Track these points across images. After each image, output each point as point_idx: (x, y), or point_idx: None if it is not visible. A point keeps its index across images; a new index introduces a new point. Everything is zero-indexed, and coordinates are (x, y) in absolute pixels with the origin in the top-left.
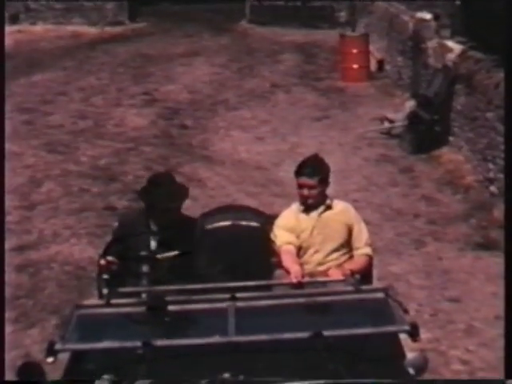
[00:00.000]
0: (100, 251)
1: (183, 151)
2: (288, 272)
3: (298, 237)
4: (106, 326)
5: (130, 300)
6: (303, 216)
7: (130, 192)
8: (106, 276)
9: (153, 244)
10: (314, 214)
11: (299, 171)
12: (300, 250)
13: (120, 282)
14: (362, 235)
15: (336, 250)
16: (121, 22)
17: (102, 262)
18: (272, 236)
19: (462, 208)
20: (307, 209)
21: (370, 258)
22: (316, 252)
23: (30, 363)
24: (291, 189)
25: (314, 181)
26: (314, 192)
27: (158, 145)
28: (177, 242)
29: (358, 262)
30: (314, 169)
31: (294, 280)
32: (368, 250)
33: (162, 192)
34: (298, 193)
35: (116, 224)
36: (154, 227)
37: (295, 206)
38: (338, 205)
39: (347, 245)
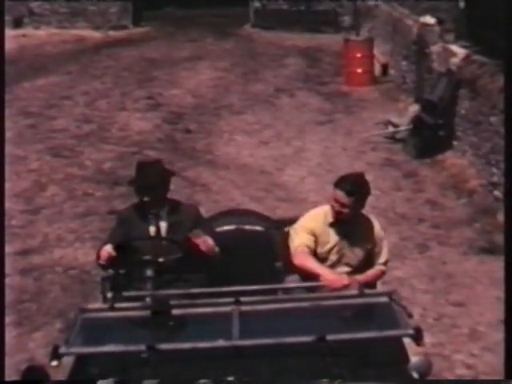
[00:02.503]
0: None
1: (187, 155)
2: (313, 275)
3: (316, 243)
4: (110, 330)
5: (135, 304)
6: (330, 229)
7: (134, 196)
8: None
9: (152, 229)
10: (341, 231)
11: (338, 184)
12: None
13: (124, 285)
14: (383, 253)
15: (349, 272)
16: (125, 26)
17: (104, 252)
18: (291, 232)
19: (466, 212)
20: (336, 223)
21: (383, 273)
22: (329, 267)
23: (34, 367)
24: (295, 193)
25: (349, 200)
26: (346, 211)
27: (162, 149)
28: (177, 224)
29: (370, 275)
30: (353, 187)
31: (343, 283)
32: (384, 268)
33: (146, 171)
34: (331, 203)
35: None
36: (150, 215)
37: (327, 212)
38: (369, 221)
39: (362, 264)
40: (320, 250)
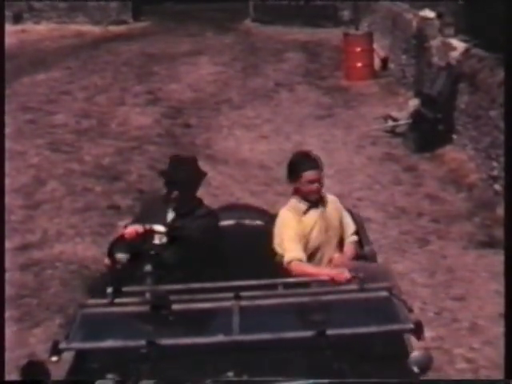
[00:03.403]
0: (104, 250)
1: (187, 150)
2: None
3: (305, 241)
4: (110, 325)
5: (134, 299)
6: (305, 217)
7: (133, 191)
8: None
9: (170, 216)
10: (315, 212)
11: (305, 166)
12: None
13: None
14: (350, 224)
15: (336, 248)
16: (124, 21)
17: (107, 261)
18: (277, 246)
19: (466, 206)
20: (309, 208)
21: (357, 243)
22: (322, 256)
23: (34, 362)
24: None
25: (318, 172)
26: (321, 185)
27: (162, 144)
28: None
29: (350, 252)
30: (317, 161)
31: (345, 276)
32: (355, 237)
33: (182, 168)
34: (301, 190)
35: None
36: (171, 211)
37: (293, 207)
38: (330, 197)
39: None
40: (309, 239)
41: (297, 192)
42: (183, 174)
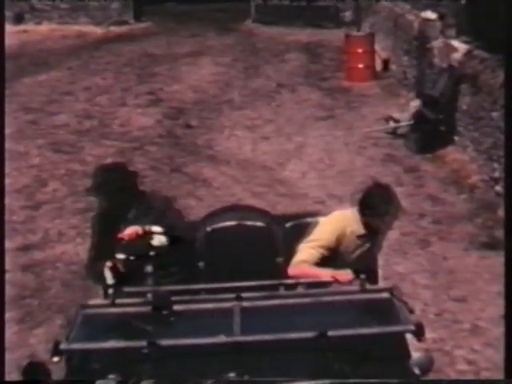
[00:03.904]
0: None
1: (188, 151)
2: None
3: (331, 254)
4: (111, 326)
5: (136, 300)
6: (355, 239)
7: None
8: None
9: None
10: (366, 242)
11: (384, 209)
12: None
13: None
14: None
15: None
16: (126, 21)
17: (109, 264)
18: (302, 244)
19: (468, 208)
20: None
21: None
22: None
23: (35, 363)
24: (296, 188)
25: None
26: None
27: (163, 144)
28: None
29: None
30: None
31: (348, 278)
32: None
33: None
34: (368, 222)
35: None
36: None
37: (351, 222)
38: None
39: None
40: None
41: (361, 216)
42: (116, 182)
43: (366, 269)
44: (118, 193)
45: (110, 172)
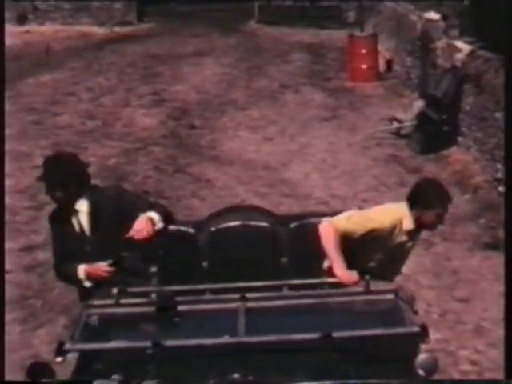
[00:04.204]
0: None
1: (192, 151)
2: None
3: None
4: (115, 326)
5: (140, 300)
6: (402, 234)
7: (139, 192)
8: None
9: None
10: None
11: (445, 201)
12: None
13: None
14: None
15: None
16: (129, 21)
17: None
18: (352, 212)
19: (471, 208)
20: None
21: None
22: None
23: (39, 363)
24: (300, 189)
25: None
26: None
27: (167, 145)
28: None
29: None
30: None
31: (353, 280)
32: None
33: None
34: (422, 218)
35: None
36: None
37: (406, 216)
38: None
39: None
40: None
41: (412, 210)
42: (63, 172)
43: (395, 268)
44: (63, 181)
45: (57, 161)
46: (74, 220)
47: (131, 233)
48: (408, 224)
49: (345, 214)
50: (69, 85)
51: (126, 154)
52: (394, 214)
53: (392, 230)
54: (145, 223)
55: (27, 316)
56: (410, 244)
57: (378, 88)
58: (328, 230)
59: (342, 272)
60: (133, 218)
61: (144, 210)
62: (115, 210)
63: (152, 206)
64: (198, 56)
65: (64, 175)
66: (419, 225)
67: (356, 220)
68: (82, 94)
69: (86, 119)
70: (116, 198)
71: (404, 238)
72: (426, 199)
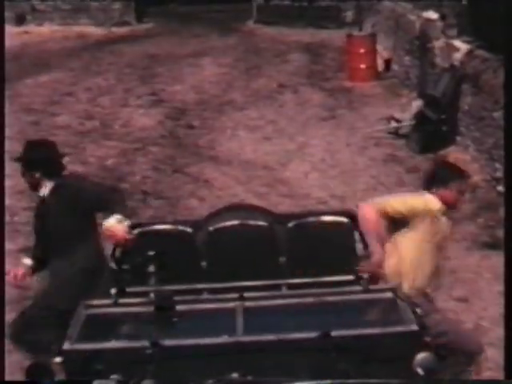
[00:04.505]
0: (107, 252)
1: (190, 151)
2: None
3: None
4: (114, 326)
5: (138, 300)
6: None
7: (137, 192)
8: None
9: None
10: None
11: (460, 175)
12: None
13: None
14: None
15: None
16: (128, 22)
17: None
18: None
19: (469, 207)
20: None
21: None
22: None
23: (38, 363)
24: (299, 189)
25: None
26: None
27: (165, 145)
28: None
29: None
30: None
31: (373, 266)
32: None
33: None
34: (445, 197)
35: None
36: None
37: (429, 198)
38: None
39: None
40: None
41: (440, 197)
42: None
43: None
44: (31, 165)
45: (30, 146)
46: (37, 206)
47: (107, 238)
48: (435, 203)
49: (392, 199)
50: (67, 85)
51: (124, 154)
52: (419, 198)
53: (426, 214)
54: (117, 225)
55: None
56: (446, 228)
57: (376, 88)
58: (369, 214)
59: (379, 261)
60: (92, 211)
61: (106, 203)
62: (72, 200)
63: (113, 193)
64: (197, 56)
65: (33, 159)
66: (446, 205)
67: (393, 203)
68: (80, 95)
69: (84, 119)
70: (76, 188)
71: (440, 221)
72: (440, 176)
